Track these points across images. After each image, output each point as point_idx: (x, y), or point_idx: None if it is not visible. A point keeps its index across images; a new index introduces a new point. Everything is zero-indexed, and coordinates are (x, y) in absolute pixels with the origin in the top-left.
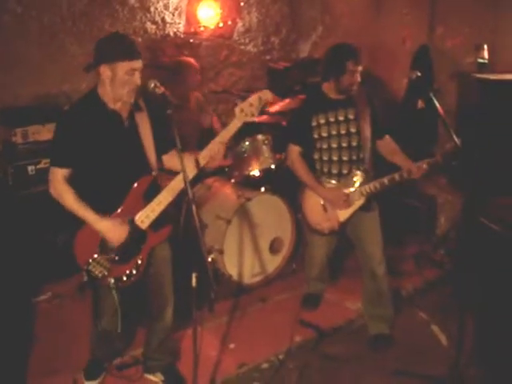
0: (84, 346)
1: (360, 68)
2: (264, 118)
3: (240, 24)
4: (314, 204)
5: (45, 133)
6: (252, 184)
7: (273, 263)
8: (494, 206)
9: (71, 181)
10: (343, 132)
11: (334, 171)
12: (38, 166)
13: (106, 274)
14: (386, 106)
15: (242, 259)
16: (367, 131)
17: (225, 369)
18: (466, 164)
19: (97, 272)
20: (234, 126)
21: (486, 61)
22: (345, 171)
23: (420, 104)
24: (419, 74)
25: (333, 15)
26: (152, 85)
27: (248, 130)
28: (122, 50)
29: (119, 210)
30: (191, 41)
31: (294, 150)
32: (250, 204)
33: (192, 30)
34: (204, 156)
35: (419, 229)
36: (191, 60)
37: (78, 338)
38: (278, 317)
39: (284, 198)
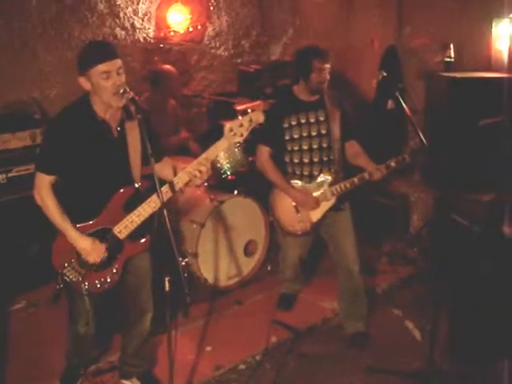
0: (60, 353)
1: (327, 66)
2: None
3: (210, 28)
4: (285, 206)
5: (15, 141)
6: (225, 187)
7: (248, 265)
8: (464, 202)
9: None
10: (314, 133)
11: (305, 173)
12: (8, 175)
13: (80, 279)
14: (357, 106)
15: (216, 262)
16: (337, 132)
17: (201, 372)
18: (436, 161)
19: (71, 276)
20: (222, 145)
21: (453, 59)
22: (315, 172)
23: (390, 104)
24: (385, 74)
25: (303, 17)
26: (121, 90)
27: (220, 133)
28: (89, 57)
29: (98, 219)
30: (161, 46)
31: (264, 151)
32: (223, 207)
33: (162, 34)
34: (182, 177)
35: (392, 227)
36: (171, 68)
37: (53, 346)
38: (254, 318)
39: (257, 200)
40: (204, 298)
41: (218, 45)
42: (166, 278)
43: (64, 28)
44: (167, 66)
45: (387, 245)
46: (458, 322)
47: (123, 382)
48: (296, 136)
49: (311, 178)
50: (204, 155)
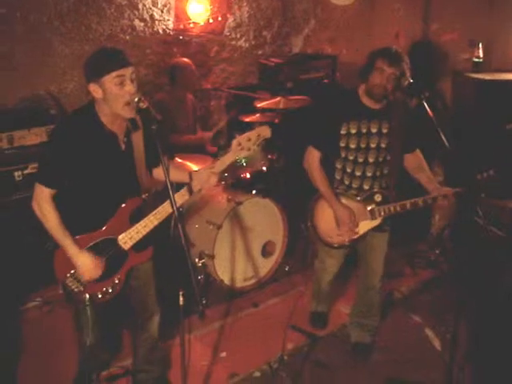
0: (74, 355)
1: (392, 71)
2: (255, 116)
3: (231, 19)
4: (327, 215)
5: (31, 137)
6: (243, 186)
7: (265, 266)
8: (489, 207)
9: (56, 194)
10: (373, 146)
11: (355, 185)
12: (25, 172)
13: (81, 289)
14: None
15: (233, 263)
16: (398, 148)
17: (216, 379)
18: (461, 163)
19: (73, 287)
20: (229, 158)
21: (481, 60)
22: (366, 187)
23: (415, 102)
24: (411, 80)
25: (325, 8)
26: (136, 99)
27: (238, 129)
28: (105, 64)
29: (103, 229)
30: (181, 37)
31: (315, 155)
32: (241, 208)
33: (181, 26)
34: (183, 194)
35: (414, 227)
36: (186, 60)
37: (68, 348)
38: (270, 322)
39: (275, 200)
40: (220, 300)
41: (238, 36)
42: (181, 292)
43: (81, 20)
44: (183, 59)
45: (408, 246)
46: (480, 330)
47: None
48: (353, 146)
49: (360, 191)
50: (209, 168)
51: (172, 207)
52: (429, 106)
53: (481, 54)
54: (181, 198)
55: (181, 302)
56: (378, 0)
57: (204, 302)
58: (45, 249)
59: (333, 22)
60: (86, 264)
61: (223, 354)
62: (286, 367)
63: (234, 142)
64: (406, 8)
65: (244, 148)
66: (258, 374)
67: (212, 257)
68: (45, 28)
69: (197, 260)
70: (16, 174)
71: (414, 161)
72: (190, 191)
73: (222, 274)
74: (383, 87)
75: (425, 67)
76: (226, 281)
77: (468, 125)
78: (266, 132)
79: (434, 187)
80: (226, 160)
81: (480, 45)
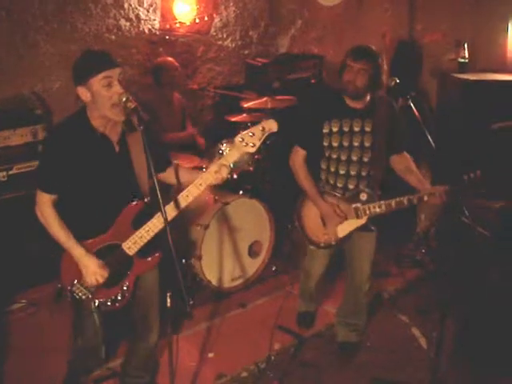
0: (61, 356)
1: (359, 66)
2: (242, 117)
3: (217, 19)
4: (312, 214)
5: (16, 138)
6: (230, 187)
7: (252, 266)
8: (474, 207)
9: (58, 201)
10: (356, 144)
11: (339, 185)
12: (9, 172)
13: (90, 296)
14: None
15: (221, 264)
16: (382, 147)
17: (203, 380)
18: (446, 163)
19: (81, 294)
20: (232, 156)
21: (467, 60)
22: (351, 186)
23: (401, 102)
24: (398, 80)
25: (312, 8)
26: (124, 99)
27: (225, 130)
28: (91, 65)
29: (105, 235)
30: (167, 37)
31: (300, 155)
32: (228, 208)
33: (167, 26)
34: (187, 195)
35: (399, 227)
36: (170, 60)
37: (54, 349)
38: (257, 322)
39: (262, 200)
40: (207, 300)
41: (225, 36)
42: (168, 294)
43: (67, 19)
44: (167, 58)
45: (394, 246)
46: (466, 329)
47: None
48: (335, 144)
49: (345, 190)
50: (212, 168)
51: (160, 211)
52: (415, 106)
53: (466, 55)
54: (172, 211)
55: (168, 304)
56: (366, 1)
57: (191, 302)
58: (31, 249)
59: (319, 22)
60: (91, 266)
61: (210, 355)
62: (273, 367)
63: (237, 138)
64: (393, 8)
65: (248, 144)
66: (245, 374)
67: (199, 257)
68: (29, 28)
69: (184, 260)
70: (1, 174)
71: (402, 163)
72: (178, 206)
73: (209, 274)
74: (353, 84)
75: (411, 67)
76: (213, 281)
77: (453, 125)
78: (271, 125)
79: (425, 188)
80: (229, 159)
81: (465, 45)
